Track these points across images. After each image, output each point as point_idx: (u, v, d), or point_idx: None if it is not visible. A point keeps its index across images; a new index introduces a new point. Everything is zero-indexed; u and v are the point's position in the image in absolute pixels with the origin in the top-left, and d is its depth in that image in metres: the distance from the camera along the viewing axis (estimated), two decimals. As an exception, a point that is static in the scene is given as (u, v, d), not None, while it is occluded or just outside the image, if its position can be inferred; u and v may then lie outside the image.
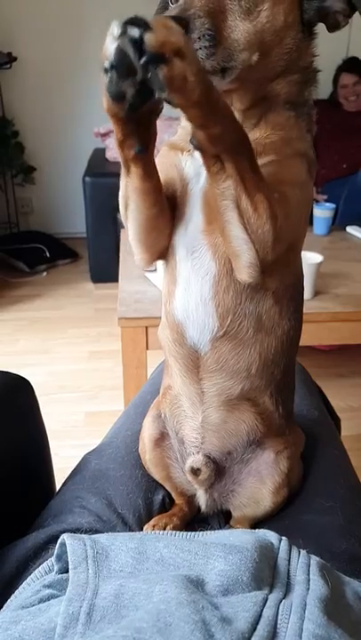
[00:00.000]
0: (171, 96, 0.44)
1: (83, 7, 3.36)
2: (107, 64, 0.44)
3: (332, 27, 0.60)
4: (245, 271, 0.60)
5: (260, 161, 0.59)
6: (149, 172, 0.60)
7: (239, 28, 0.55)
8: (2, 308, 2.87)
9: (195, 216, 0.64)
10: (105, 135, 3.29)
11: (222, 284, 0.64)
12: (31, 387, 0.94)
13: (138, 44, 0.42)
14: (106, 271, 2.95)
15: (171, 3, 0.59)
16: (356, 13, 0.58)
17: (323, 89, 3.22)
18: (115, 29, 0.43)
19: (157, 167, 0.64)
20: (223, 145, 0.51)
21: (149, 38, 0.41)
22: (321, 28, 0.62)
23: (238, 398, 0.72)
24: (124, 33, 0.42)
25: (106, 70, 0.44)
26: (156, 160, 0.66)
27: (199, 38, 0.52)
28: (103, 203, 2.90)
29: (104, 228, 2.94)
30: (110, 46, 0.43)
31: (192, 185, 0.65)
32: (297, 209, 0.62)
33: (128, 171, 0.61)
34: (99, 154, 3.33)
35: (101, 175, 2.99)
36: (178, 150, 0.66)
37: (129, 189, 0.63)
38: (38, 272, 3.27)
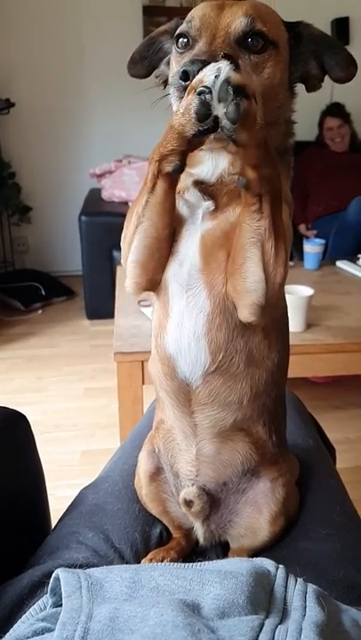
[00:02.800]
0: (240, 131, 0.51)
1: (78, 54, 3.50)
2: (204, 88, 0.51)
3: (311, 88, 0.69)
4: (250, 310, 0.63)
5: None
6: (173, 190, 0.64)
7: None
8: (-3, 346, 2.88)
9: (191, 255, 0.66)
10: (100, 176, 3.38)
11: (215, 322, 0.66)
12: (27, 421, 0.94)
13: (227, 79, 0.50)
14: (101, 308, 2.97)
15: (177, 48, 0.64)
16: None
17: (310, 131, 3.38)
18: (221, 63, 0.51)
19: None
20: (268, 186, 0.57)
21: (238, 77, 0.50)
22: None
23: (232, 429, 0.72)
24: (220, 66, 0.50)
25: (201, 93, 0.51)
26: None
27: None
28: (99, 241, 2.95)
29: (99, 266, 2.98)
30: (210, 75, 0.51)
31: (187, 225, 0.67)
32: (288, 251, 0.66)
33: (153, 187, 0.62)
34: (94, 194, 3.40)
35: (97, 214, 3.05)
36: None
37: (148, 207, 0.64)
38: (34, 310, 3.29)
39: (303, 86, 0.70)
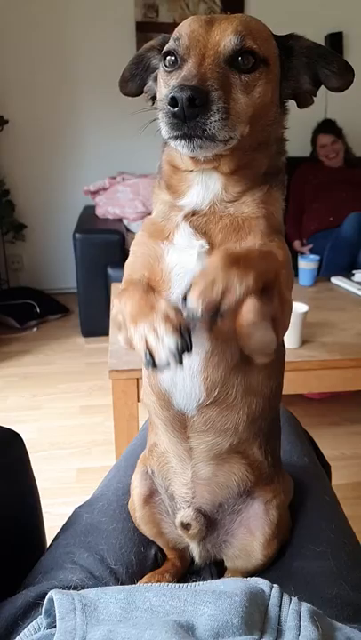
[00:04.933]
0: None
1: (71, 71, 3.54)
2: (151, 361, 0.55)
3: (302, 104, 0.68)
4: (265, 355, 0.63)
5: (251, 241, 0.63)
6: None
7: (240, 102, 0.58)
8: (-8, 364, 2.87)
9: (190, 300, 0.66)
10: (95, 193, 3.40)
11: (213, 361, 0.65)
12: (22, 440, 0.94)
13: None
14: (97, 325, 2.98)
15: (165, 66, 0.62)
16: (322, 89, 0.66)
17: (305, 148, 3.42)
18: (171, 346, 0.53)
19: (138, 257, 0.68)
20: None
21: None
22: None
23: (228, 452, 0.72)
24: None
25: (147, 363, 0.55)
26: (136, 246, 0.70)
27: (218, 110, 0.55)
28: (93, 258, 2.96)
29: (94, 283, 2.98)
30: (162, 353, 0.54)
31: (177, 270, 0.65)
32: (290, 283, 0.66)
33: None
34: (89, 211, 3.43)
35: (91, 231, 3.07)
36: (158, 239, 0.67)
37: None
38: (29, 328, 3.28)
39: (295, 103, 0.69)
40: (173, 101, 0.53)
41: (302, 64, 0.64)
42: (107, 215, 3.28)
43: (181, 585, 0.56)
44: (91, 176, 3.53)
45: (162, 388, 0.69)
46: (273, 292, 0.58)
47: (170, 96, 0.53)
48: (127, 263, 0.71)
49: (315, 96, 0.67)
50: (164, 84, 0.63)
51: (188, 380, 0.66)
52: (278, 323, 0.60)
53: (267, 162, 0.66)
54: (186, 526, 0.75)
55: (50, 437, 2.22)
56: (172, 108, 0.54)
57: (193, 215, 0.65)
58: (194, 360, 0.65)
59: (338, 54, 0.64)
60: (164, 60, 0.63)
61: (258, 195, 0.65)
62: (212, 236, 0.64)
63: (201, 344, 0.65)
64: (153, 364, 0.55)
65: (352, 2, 3.64)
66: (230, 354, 0.65)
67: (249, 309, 0.53)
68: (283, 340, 0.77)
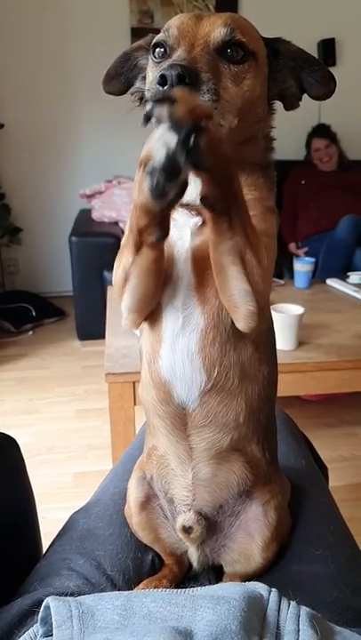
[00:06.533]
0: (207, 158, 0.46)
1: (66, 76, 3.55)
2: (153, 166, 0.45)
3: (289, 106, 0.69)
4: (246, 321, 0.62)
5: None
6: (162, 255, 0.62)
7: (229, 91, 0.59)
8: (-13, 368, 2.86)
9: (185, 276, 0.65)
10: (90, 197, 3.40)
11: (209, 337, 0.65)
12: (17, 445, 0.93)
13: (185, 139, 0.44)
14: (93, 328, 2.97)
15: (154, 58, 0.62)
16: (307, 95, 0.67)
17: (299, 151, 3.44)
18: (168, 137, 0.44)
19: None
20: (234, 201, 0.54)
21: (178, 110, 0.44)
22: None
23: (228, 450, 0.71)
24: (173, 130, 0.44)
25: (152, 172, 0.46)
26: None
27: (208, 91, 0.55)
28: (89, 261, 2.96)
29: (90, 286, 2.98)
30: (160, 150, 0.45)
31: (178, 247, 0.66)
32: (274, 258, 0.65)
33: (138, 251, 0.60)
34: (84, 214, 3.42)
35: (87, 235, 3.07)
36: None
37: (135, 266, 0.62)
38: (24, 331, 3.27)
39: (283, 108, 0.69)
40: (163, 79, 0.52)
41: (288, 67, 0.65)
42: (103, 218, 3.28)
43: (179, 590, 0.55)
44: (86, 180, 3.53)
45: (162, 377, 0.68)
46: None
47: (159, 74, 0.52)
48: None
49: (300, 100, 0.68)
50: (153, 75, 0.63)
51: (187, 365, 0.66)
52: (253, 270, 0.58)
53: (255, 155, 0.67)
54: (188, 530, 0.74)
55: (46, 442, 2.22)
56: (160, 87, 0.52)
57: (187, 205, 0.65)
58: (191, 341, 0.65)
59: (322, 63, 0.65)
60: (154, 51, 0.63)
61: (248, 180, 0.66)
62: (203, 215, 0.64)
63: (197, 323, 0.65)
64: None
65: (344, 8, 3.65)
66: (223, 327, 0.65)
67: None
68: (272, 329, 0.76)
